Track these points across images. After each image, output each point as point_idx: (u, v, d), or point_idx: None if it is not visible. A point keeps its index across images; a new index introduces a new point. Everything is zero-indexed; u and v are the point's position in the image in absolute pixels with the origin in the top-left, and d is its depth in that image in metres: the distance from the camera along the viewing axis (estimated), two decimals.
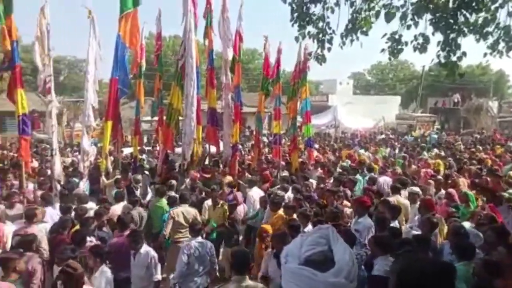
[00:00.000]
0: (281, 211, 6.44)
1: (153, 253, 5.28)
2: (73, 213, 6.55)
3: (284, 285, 1.34)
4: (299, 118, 13.06)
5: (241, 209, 8.04)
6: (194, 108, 9.46)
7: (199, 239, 5.59)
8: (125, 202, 7.65)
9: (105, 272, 4.72)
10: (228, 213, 7.58)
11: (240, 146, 13.73)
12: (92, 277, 4.59)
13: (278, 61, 10.88)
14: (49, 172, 9.94)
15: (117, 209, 7.13)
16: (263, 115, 13.22)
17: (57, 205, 7.38)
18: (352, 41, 5.12)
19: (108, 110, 9.56)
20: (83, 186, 9.79)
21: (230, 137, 11.28)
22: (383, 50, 4.97)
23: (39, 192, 8.90)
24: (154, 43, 13.67)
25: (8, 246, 5.59)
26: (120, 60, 9.13)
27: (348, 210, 6.20)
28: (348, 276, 1.36)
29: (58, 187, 8.92)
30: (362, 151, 15.86)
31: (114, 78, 9.35)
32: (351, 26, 5.09)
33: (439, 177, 9.20)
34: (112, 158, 11.09)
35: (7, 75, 9.17)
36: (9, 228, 5.96)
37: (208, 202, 7.61)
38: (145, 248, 5.26)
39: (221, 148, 12.03)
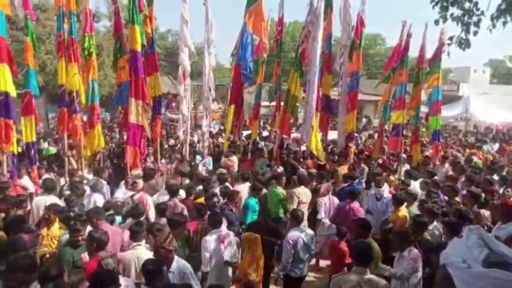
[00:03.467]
0: (404, 210, 6.07)
1: (204, 242, 5.12)
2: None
3: None
4: (422, 108, 12.05)
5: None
6: (314, 95, 9.46)
7: (302, 227, 5.53)
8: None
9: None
10: None
11: (356, 135, 13.30)
12: None
13: (406, 46, 10.10)
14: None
15: (243, 188, 7.37)
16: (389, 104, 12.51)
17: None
18: (505, 23, 4.48)
19: (232, 94, 10.10)
20: (207, 163, 10.62)
21: (343, 126, 10.98)
22: None
23: (168, 166, 10.00)
24: (275, 29, 13.90)
25: (152, 214, 6.35)
26: (245, 46, 9.52)
27: (486, 213, 5.55)
28: None
29: None
30: (485, 147, 14.04)
31: (238, 64, 9.83)
32: (505, 6, 4.44)
33: None
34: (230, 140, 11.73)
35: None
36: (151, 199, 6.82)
37: None
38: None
39: (333, 136, 11.82)
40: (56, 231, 5.33)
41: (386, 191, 7.23)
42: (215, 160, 10.90)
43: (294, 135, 12.87)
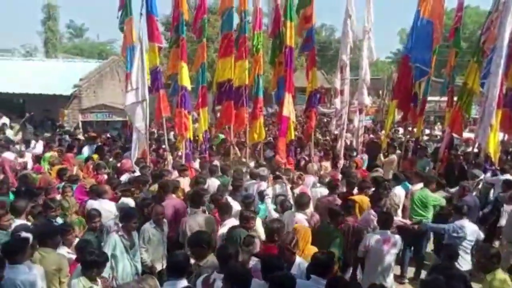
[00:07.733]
0: None
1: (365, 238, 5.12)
2: None
3: None
4: None
5: None
6: (496, 89, 8.10)
7: None
8: None
9: None
10: None
11: None
12: None
13: None
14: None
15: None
16: None
17: None
18: None
19: (396, 88, 9.39)
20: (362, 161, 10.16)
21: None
22: None
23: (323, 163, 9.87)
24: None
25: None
26: (419, 37, 8.63)
27: None
28: None
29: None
30: None
31: (406, 55, 9.07)
32: None
33: None
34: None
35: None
36: None
37: None
38: None
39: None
40: None
41: None
42: (371, 157, 10.37)
43: (466, 134, 11.34)
